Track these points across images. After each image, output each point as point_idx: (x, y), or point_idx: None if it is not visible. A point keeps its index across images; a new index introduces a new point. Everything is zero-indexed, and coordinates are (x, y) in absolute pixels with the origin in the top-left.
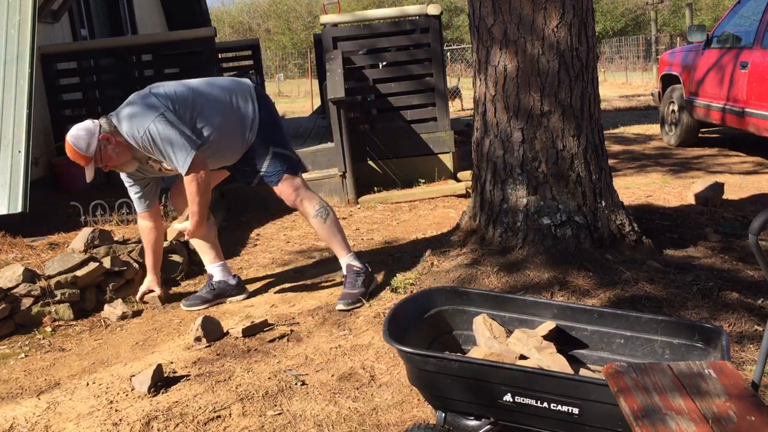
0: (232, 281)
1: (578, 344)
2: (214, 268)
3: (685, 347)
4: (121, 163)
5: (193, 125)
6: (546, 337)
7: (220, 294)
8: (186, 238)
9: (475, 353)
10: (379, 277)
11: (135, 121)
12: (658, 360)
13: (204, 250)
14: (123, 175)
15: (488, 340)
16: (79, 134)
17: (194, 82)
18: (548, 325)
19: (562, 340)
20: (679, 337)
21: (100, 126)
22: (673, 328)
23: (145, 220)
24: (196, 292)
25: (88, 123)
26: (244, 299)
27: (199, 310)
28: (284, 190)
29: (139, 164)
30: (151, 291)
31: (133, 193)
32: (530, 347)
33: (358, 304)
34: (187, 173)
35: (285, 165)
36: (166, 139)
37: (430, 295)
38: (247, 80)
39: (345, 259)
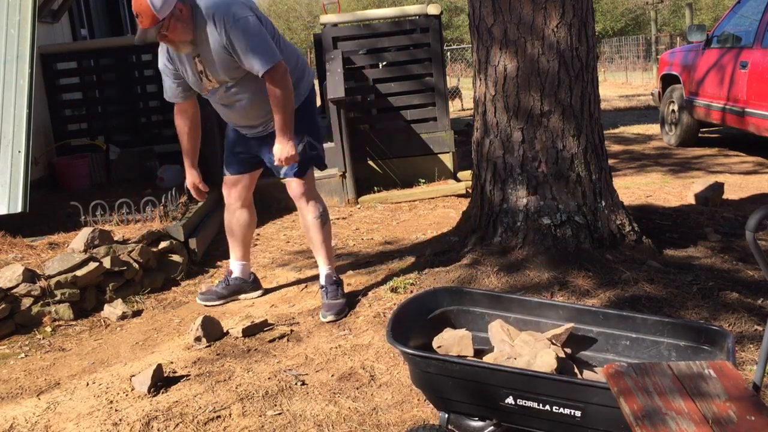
0: (249, 279)
1: (584, 346)
2: (236, 265)
3: (691, 349)
4: (180, 41)
5: None
6: (560, 338)
7: (235, 291)
8: (286, 163)
9: (487, 357)
10: (379, 277)
11: (231, 8)
12: None
13: (235, 246)
14: (162, 60)
15: (500, 342)
16: None
17: (278, 31)
18: (566, 328)
19: (567, 341)
20: (685, 339)
21: None
22: (679, 330)
23: (185, 111)
24: (197, 292)
25: None
26: (259, 296)
27: (214, 305)
28: (298, 181)
29: (191, 50)
30: (197, 187)
31: (170, 82)
32: (537, 350)
33: (343, 315)
34: (269, 73)
35: (313, 158)
36: (256, 36)
37: (434, 295)
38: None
39: (326, 269)
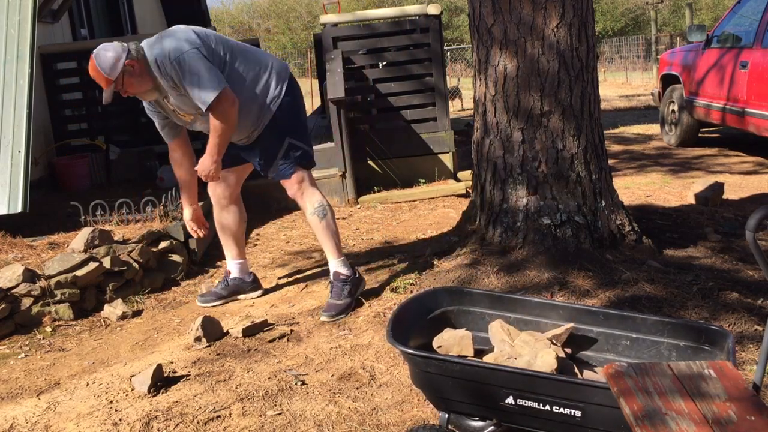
0: (248, 278)
1: (584, 346)
2: (233, 265)
3: (691, 349)
4: (141, 92)
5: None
6: (560, 338)
7: (234, 291)
8: (203, 177)
9: (488, 357)
10: (379, 277)
11: (168, 48)
12: None
13: (229, 244)
14: (146, 104)
15: (500, 342)
16: (107, 55)
17: (234, 43)
18: (566, 328)
19: (567, 341)
20: (685, 340)
21: (129, 51)
22: (679, 331)
23: (175, 151)
24: (197, 292)
25: (117, 45)
26: (259, 296)
27: (214, 306)
28: (289, 181)
29: (158, 96)
30: (192, 225)
31: (157, 123)
32: (537, 350)
33: (342, 316)
34: (211, 108)
35: (299, 158)
36: (195, 71)
37: (434, 295)
38: (284, 63)
39: (334, 264)
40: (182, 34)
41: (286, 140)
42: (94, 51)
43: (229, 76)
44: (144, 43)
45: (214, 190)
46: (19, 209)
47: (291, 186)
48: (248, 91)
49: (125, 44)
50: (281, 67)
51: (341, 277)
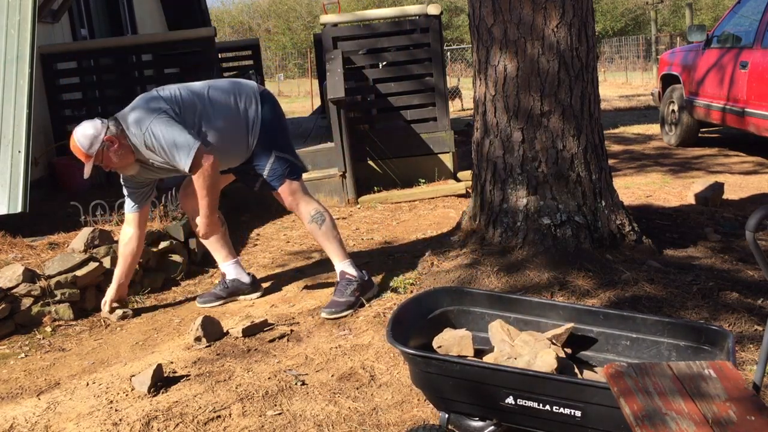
0: (246, 279)
1: (584, 346)
2: (227, 267)
3: (691, 349)
4: (122, 166)
5: (198, 129)
6: (560, 338)
7: (233, 292)
8: (201, 238)
9: (488, 357)
10: (379, 277)
11: (139, 121)
12: None
13: (215, 249)
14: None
15: (500, 342)
16: (86, 132)
17: (197, 85)
18: (566, 328)
19: (567, 341)
20: (685, 340)
21: (108, 127)
22: (679, 330)
23: (129, 225)
24: (197, 291)
25: (97, 123)
26: (258, 297)
27: (213, 306)
28: (282, 193)
29: (140, 168)
30: (118, 305)
31: (127, 189)
32: (537, 350)
33: (344, 314)
34: (191, 170)
35: (286, 170)
36: (168, 138)
37: (434, 295)
38: (250, 82)
39: (339, 266)
40: (146, 104)
41: (273, 154)
42: (75, 130)
43: (208, 123)
44: (120, 118)
45: (184, 203)
46: (19, 209)
47: (285, 198)
48: (232, 125)
49: (105, 121)
50: (244, 89)
51: (347, 276)
